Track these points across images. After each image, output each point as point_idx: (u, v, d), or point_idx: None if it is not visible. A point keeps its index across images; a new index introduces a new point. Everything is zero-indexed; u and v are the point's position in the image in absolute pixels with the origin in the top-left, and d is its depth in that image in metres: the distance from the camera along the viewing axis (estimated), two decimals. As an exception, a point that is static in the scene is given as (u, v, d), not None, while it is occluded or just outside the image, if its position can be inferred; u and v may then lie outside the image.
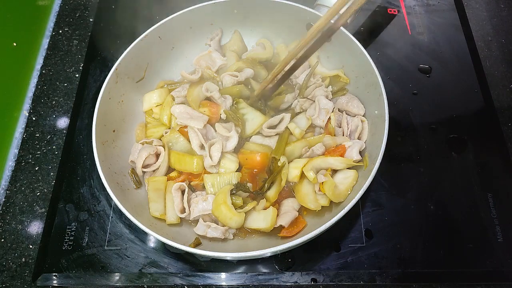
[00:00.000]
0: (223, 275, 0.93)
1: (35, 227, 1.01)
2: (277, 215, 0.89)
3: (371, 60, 0.93)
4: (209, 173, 0.95)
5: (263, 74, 1.10)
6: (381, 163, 0.82)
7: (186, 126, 0.99)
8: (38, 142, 1.13)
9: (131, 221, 0.80)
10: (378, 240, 0.96)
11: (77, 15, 1.35)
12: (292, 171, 0.93)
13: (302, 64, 0.89)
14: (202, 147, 0.96)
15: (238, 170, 0.95)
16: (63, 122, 1.16)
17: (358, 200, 0.79)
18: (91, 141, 0.88)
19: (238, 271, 0.93)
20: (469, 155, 1.06)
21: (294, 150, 0.96)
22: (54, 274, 0.94)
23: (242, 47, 1.16)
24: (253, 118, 1.01)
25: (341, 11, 0.71)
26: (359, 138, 0.95)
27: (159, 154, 0.97)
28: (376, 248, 0.95)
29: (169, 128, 1.03)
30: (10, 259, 0.98)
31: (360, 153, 0.92)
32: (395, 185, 1.03)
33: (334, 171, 0.92)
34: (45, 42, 1.30)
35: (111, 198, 0.83)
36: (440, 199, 1.01)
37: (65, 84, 1.22)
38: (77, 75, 1.23)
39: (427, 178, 1.03)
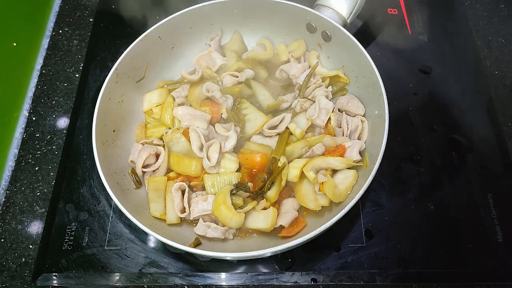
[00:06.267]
0: (223, 275, 0.93)
1: (35, 227, 1.01)
2: (277, 215, 0.89)
3: (371, 60, 0.93)
4: (209, 173, 0.95)
5: (263, 74, 1.10)
6: (381, 163, 0.82)
7: (190, 127, 0.99)
8: (38, 142, 1.13)
9: (131, 221, 0.80)
10: (378, 240, 0.96)
11: (77, 15, 1.35)
12: (292, 171, 0.93)
13: None
14: (202, 148, 0.96)
15: (238, 170, 0.95)
16: (63, 122, 1.16)
17: (358, 200, 0.79)
18: (91, 141, 0.88)
19: (238, 271, 0.93)
20: (469, 155, 1.06)
21: (294, 150, 0.96)
22: (54, 274, 0.94)
23: (242, 47, 1.16)
24: (256, 119, 1.01)
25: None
26: (359, 138, 0.95)
27: (159, 154, 0.97)
28: (376, 248, 0.95)
29: (169, 128, 1.02)
30: (10, 259, 0.98)
31: (360, 153, 0.92)
32: (395, 185, 1.03)
33: (334, 171, 0.92)
34: (45, 42, 1.30)
35: (111, 198, 0.83)
36: (440, 199, 1.01)
37: (65, 84, 1.22)
38: (77, 75, 1.23)
39: (427, 178, 1.03)
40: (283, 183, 0.92)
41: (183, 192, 0.94)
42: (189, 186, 0.95)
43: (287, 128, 0.99)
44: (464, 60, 1.22)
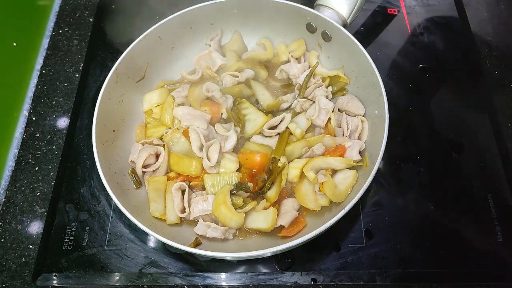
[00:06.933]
0: (223, 275, 0.93)
1: (35, 227, 1.01)
2: (277, 215, 0.89)
3: (371, 60, 0.93)
4: (209, 173, 0.95)
5: (263, 74, 1.10)
6: (381, 163, 0.82)
7: (190, 127, 0.99)
8: (38, 142, 1.13)
9: (131, 221, 0.80)
10: (378, 240, 0.96)
11: (77, 15, 1.35)
12: (292, 171, 0.93)
13: None
14: (202, 148, 0.96)
15: (238, 170, 0.95)
16: (63, 122, 1.16)
17: (358, 200, 0.79)
18: (91, 141, 0.88)
19: (238, 271, 0.93)
20: (469, 155, 1.06)
21: (294, 150, 0.96)
22: (54, 274, 0.94)
23: (242, 47, 1.16)
24: (256, 119, 1.01)
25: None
26: (359, 138, 0.95)
27: (159, 154, 0.97)
28: (376, 248, 0.95)
29: (169, 128, 1.02)
30: (10, 259, 0.98)
31: (360, 153, 0.92)
32: (395, 185, 1.03)
33: (334, 171, 0.92)
34: (45, 42, 1.30)
35: (111, 198, 0.83)
36: (440, 199, 1.01)
37: (65, 84, 1.22)
38: (77, 75, 1.23)
39: (427, 178, 1.03)
40: (283, 183, 0.92)
41: (183, 192, 0.94)
42: (189, 186, 0.95)
43: (287, 128, 0.99)
44: (464, 60, 1.22)
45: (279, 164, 0.93)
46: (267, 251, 0.76)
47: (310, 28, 1.07)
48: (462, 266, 0.93)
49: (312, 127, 1.02)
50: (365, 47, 0.95)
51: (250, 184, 0.92)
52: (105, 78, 0.96)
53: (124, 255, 0.95)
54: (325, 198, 0.90)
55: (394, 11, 1.31)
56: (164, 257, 0.95)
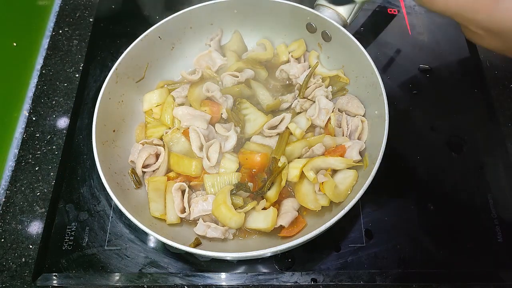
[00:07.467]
0: (223, 275, 0.93)
1: (35, 227, 1.01)
2: (277, 215, 0.89)
3: (371, 60, 0.93)
4: (209, 173, 0.95)
5: (263, 74, 1.10)
6: (381, 163, 0.82)
7: (190, 127, 0.99)
8: (38, 142, 1.13)
9: (131, 221, 0.80)
10: (378, 240, 0.96)
11: (77, 15, 1.35)
12: (292, 171, 0.93)
13: None
14: (202, 148, 0.96)
15: (238, 170, 0.95)
16: (63, 122, 1.16)
17: (358, 200, 0.79)
18: (91, 141, 0.88)
19: (238, 271, 0.93)
20: (469, 155, 1.06)
21: (294, 150, 0.96)
22: (54, 274, 0.94)
23: (242, 47, 1.16)
24: (256, 119, 1.01)
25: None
26: (359, 138, 0.95)
27: (159, 154, 0.97)
28: (376, 248, 0.95)
29: (169, 128, 1.02)
30: (10, 259, 0.98)
31: (360, 153, 0.92)
32: (395, 185, 1.03)
33: (334, 171, 0.92)
34: (45, 42, 1.30)
35: (111, 198, 0.83)
36: (440, 199, 1.01)
37: (65, 84, 1.22)
38: (77, 75, 1.23)
39: (427, 178, 1.03)
40: (283, 183, 0.92)
41: (183, 192, 0.94)
42: (189, 186, 0.95)
43: (287, 128, 0.99)
44: (464, 60, 1.21)
45: (279, 164, 0.93)
46: (267, 251, 0.76)
47: (310, 28, 1.07)
48: (462, 266, 0.93)
49: (312, 127, 1.02)
50: (365, 47, 0.95)
51: (250, 184, 0.92)
52: (105, 78, 0.95)
53: (124, 255, 0.95)
54: (325, 198, 0.90)
55: (394, 11, 1.31)
56: (164, 257, 0.95)
